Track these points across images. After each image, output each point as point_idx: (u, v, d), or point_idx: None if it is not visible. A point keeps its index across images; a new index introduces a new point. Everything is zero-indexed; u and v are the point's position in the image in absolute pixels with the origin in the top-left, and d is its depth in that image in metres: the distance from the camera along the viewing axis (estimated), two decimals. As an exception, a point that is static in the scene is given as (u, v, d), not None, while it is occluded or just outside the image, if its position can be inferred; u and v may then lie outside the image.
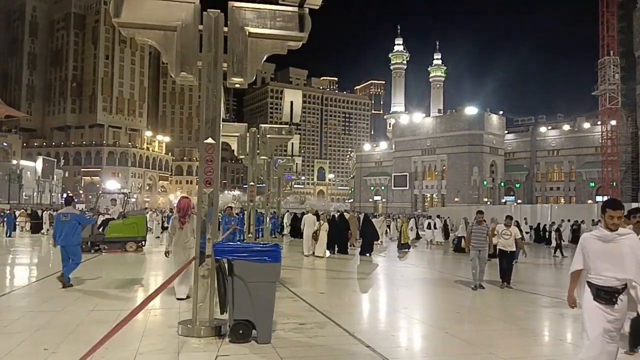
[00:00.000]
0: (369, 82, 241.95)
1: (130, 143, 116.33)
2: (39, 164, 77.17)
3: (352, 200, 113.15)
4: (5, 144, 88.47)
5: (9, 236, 26.32)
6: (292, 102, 13.05)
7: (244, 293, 5.59)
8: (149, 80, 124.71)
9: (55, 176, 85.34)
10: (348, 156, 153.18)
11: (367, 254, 17.79)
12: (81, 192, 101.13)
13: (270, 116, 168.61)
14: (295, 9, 5.77)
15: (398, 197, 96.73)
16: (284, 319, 6.91)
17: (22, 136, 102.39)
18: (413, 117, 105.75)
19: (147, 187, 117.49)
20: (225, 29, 5.76)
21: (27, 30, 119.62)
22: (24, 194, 66.54)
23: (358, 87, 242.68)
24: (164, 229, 27.04)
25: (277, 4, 5.81)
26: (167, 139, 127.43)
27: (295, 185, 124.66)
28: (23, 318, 6.84)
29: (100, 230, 17.01)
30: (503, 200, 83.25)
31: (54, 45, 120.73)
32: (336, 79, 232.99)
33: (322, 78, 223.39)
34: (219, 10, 5.77)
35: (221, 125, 5.96)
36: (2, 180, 66.02)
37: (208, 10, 5.74)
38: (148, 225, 26.84)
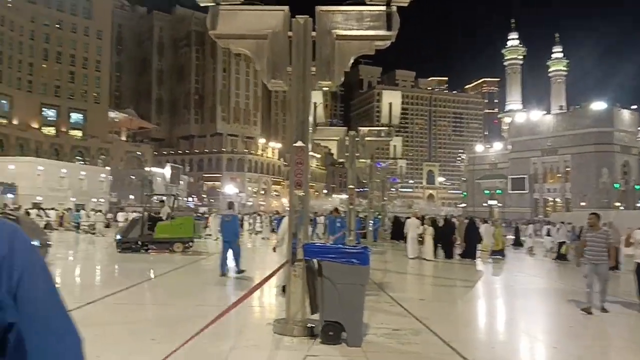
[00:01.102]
0: (481, 80, 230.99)
1: (246, 150, 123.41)
2: (167, 171, 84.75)
3: (464, 204, 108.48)
4: (139, 153, 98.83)
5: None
6: (390, 104, 12.90)
7: (333, 294, 5.60)
8: (262, 90, 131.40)
9: (181, 182, 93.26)
10: (459, 158, 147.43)
11: (471, 259, 16.98)
12: (204, 196, 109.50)
13: (377, 120, 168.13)
14: (383, 7, 5.68)
15: (515, 202, 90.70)
16: (378, 324, 6.79)
17: (153, 145, 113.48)
18: (531, 115, 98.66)
19: (262, 192, 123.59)
20: (314, 33, 5.84)
21: (154, 49, 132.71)
22: (155, 198, 73.67)
23: (469, 85, 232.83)
24: (272, 231, 28.25)
25: (364, 4, 5.76)
26: (278, 145, 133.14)
27: (402, 189, 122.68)
28: (139, 310, 7.53)
29: (148, 230, 17.06)
30: (638, 205, 74.19)
31: (178, 62, 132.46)
32: (446, 78, 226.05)
33: (430, 79, 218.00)
34: (307, 16, 5.87)
35: (316, 130, 6.06)
36: (136, 185, 73.61)
37: (297, 16, 5.86)
38: (257, 227, 27.84)
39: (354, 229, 15.20)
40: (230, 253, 11.53)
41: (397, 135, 18.57)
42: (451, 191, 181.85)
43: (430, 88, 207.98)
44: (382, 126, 13.14)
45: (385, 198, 30.64)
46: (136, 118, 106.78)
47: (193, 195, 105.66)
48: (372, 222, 21.13)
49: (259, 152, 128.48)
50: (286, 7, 5.74)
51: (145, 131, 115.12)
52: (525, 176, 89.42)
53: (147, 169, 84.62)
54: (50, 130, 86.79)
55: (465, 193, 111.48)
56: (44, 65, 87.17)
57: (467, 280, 13.13)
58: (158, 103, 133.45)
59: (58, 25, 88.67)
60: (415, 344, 6.01)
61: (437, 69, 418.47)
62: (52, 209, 35.79)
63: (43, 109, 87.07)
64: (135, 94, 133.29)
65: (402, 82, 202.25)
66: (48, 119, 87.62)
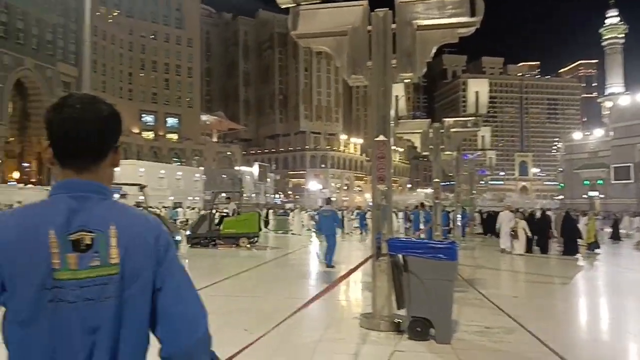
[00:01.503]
0: (577, 62, 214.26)
1: (328, 147, 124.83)
2: (255, 169, 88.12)
3: (561, 196, 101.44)
4: (229, 153, 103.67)
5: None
6: (477, 92, 12.38)
7: (420, 290, 5.52)
8: (343, 87, 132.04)
9: (268, 179, 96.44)
10: (555, 147, 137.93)
11: (574, 255, 15.83)
12: (289, 192, 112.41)
13: (463, 110, 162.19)
14: (466, -7, 5.48)
15: (619, 192, 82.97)
16: (468, 321, 6.59)
17: (242, 145, 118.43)
18: (636, 97, 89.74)
19: (345, 187, 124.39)
20: (394, 25, 5.78)
21: (240, 53, 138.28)
22: (244, 195, 76.97)
23: (564, 69, 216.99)
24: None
25: (446, -9, 5.59)
26: (360, 140, 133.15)
27: (492, 182, 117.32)
28: (231, 301, 7.92)
29: (216, 226, 17.77)
30: None
31: (263, 64, 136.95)
32: (537, 63, 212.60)
33: (520, 64, 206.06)
34: (387, 9, 5.82)
35: (399, 123, 6.00)
36: (227, 183, 77.34)
37: (376, 10, 5.83)
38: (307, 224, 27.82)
39: (441, 223, 14.81)
40: (324, 247, 12.15)
41: (485, 125, 17.79)
42: (547, 183, 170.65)
43: (520, 74, 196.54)
44: (469, 116, 12.64)
45: (473, 191, 29.52)
46: (225, 120, 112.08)
47: (280, 192, 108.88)
48: (459, 216, 20.49)
49: (341, 148, 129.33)
50: (365, 2, 5.74)
51: (234, 132, 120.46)
52: (630, 164, 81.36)
53: (236, 168, 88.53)
54: (149, 135, 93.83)
55: (562, 184, 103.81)
56: (142, 75, 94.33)
57: (565, 276, 12.28)
58: (245, 104, 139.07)
59: (153, 36, 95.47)
60: (508, 342, 5.76)
61: (528, 54, 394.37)
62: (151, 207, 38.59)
63: (142, 115, 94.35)
64: (224, 96, 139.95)
65: (490, 70, 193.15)
66: (147, 124, 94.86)
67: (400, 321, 6.01)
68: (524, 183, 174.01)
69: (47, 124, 1.18)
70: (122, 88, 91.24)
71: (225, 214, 18.60)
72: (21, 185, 49.51)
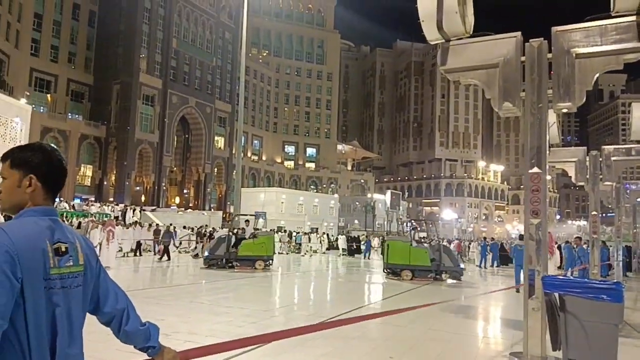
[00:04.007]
0: None
1: (465, 174, 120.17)
2: (387, 197, 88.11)
3: None
4: (362, 180, 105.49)
5: (367, 258, 31.18)
6: (643, 118, 11.18)
7: (579, 332, 5.15)
8: (482, 112, 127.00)
9: (400, 207, 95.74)
10: None
11: None
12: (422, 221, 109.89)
13: (623, 134, 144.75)
14: (632, 18, 5.17)
15: None
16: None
17: (374, 173, 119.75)
18: None
19: (484, 217, 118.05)
20: (549, 55, 5.64)
21: (377, 83, 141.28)
22: (376, 222, 77.31)
23: None
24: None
25: (609, 17, 5.33)
26: (500, 167, 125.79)
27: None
28: (379, 328, 8.09)
29: (233, 248, 17.79)
30: None
31: (398, 93, 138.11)
32: None
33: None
34: (542, 39, 5.71)
35: (549, 152, 5.76)
36: (360, 211, 78.52)
37: (530, 40, 5.75)
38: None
39: (599, 260, 13.38)
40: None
41: (652, 153, 15.81)
42: None
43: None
44: (633, 143, 11.44)
45: (637, 225, 26.16)
46: (360, 149, 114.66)
47: (412, 220, 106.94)
48: (620, 253, 18.25)
49: (479, 175, 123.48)
50: (518, 33, 5.70)
51: (368, 160, 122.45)
52: None
53: (369, 195, 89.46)
54: (290, 164, 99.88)
55: None
56: (286, 109, 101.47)
57: None
58: (379, 133, 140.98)
59: (297, 73, 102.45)
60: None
61: None
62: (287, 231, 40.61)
63: (285, 146, 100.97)
64: (359, 126, 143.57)
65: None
66: (289, 154, 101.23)
67: (556, 364, 5.65)
68: None
69: (43, 163, 1.68)
70: (268, 122, 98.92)
71: (242, 237, 18.55)
72: (182, 209, 55.99)
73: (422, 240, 18.80)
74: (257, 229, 21.33)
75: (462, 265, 17.39)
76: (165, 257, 20.97)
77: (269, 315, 9.16)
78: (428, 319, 8.93)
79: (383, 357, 6.19)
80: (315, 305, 11.47)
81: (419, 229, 21.61)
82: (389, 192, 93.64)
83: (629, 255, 23.70)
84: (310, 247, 34.99)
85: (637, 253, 24.66)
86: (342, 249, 33.74)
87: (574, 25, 5.48)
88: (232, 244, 18.05)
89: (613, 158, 11.49)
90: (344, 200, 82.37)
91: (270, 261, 18.48)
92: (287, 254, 31.06)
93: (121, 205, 39.89)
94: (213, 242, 18.96)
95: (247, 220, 20.06)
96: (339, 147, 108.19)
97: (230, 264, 17.75)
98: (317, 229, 49.97)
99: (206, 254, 18.27)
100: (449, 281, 16.65)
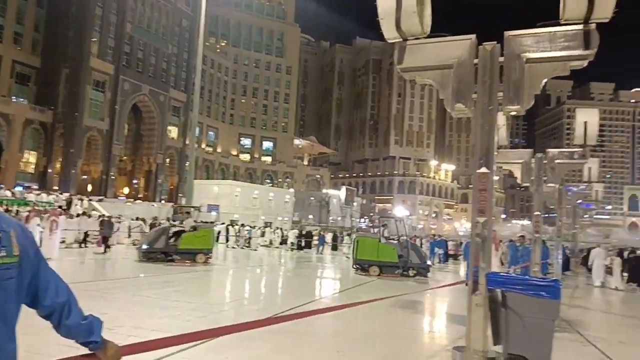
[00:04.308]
0: None
1: (418, 172, 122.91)
2: (342, 193, 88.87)
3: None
4: (318, 176, 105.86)
5: (320, 253, 31.33)
6: (585, 123, 11.72)
7: (519, 327, 5.35)
8: (436, 112, 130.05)
9: (355, 203, 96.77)
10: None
11: None
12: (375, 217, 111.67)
13: (567, 138, 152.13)
14: (580, 26, 5.37)
15: None
16: (570, 364, 6.23)
17: (330, 169, 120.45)
18: None
19: (434, 215, 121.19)
20: (501, 58, 5.78)
21: (335, 79, 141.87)
22: (330, 218, 77.91)
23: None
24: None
25: (558, 25, 5.52)
26: (452, 167, 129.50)
27: (597, 216, 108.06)
28: (327, 323, 8.11)
29: (173, 241, 17.24)
30: None
31: (356, 90, 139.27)
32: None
33: (633, 90, 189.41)
34: (494, 42, 5.84)
35: (498, 153, 5.93)
36: (315, 206, 78.87)
37: (484, 43, 5.87)
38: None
39: (540, 259, 14.00)
40: None
41: (592, 156, 16.67)
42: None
43: (633, 100, 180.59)
44: (575, 147, 11.97)
45: (576, 226, 27.55)
46: (317, 144, 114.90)
47: (366, 217, 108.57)
48: (560, 252, 19.23)
49: (431, 174, 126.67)
50: (473, 36, 5.81)
51: (324, 156, 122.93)
52: None
53: (324, 191, 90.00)
54: (245, 157, 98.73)
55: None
56: (243, 100, 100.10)
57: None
58: (336, 129, 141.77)
59: (255, 64, 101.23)
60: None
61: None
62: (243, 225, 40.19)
63: (241, 138, 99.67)
64: (317, 121, 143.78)
65: (599, 96, 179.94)
66: (245, 147, 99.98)
67: (495, 357, 5.84)
68: (633, 219, 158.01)
69: None
70: (225, 113, 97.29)
71: (182, 230, 17.84)
72: (130, 200, 54.28)
73: (391, 237, 19.02)
74: (205, 222, 20.73)
75: (428, 262, 17.74)
76: (109, 249, 20.10)
77: (218, 309, 9.02)
78: (377, 314, 9.05)
79: (331, 352, 6.21)
80: (266, 299, 11.40)
81: (388, 226, 21.83)
82: (343, 188, 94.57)
83: (566, 254, 25.05)
84: (265, 240, 34.78)
85: (574, 253, 25.97)
86: (291, 243, 33.69)
87: (526, 31, 5.64)
88: (170, 236, 17.34)
89: (557, 161, 11.97)
90: (299, 195, 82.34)
91: (210, 254, 18.05)
92: (243, 248, 30.70)
93: (66, 195, 38.15)
94: (152, 235, 17.95)
95: (187, 212, 19.25)
96: (296, 141, 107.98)
97: (170, 258, 17.00)
98: (271, 223, 49.76)
99: (144, 246, 17.14)
100: (401, 277, 16.96)
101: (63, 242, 20.87)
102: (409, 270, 16.91)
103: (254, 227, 35.18)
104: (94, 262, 17.25)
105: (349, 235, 34.91)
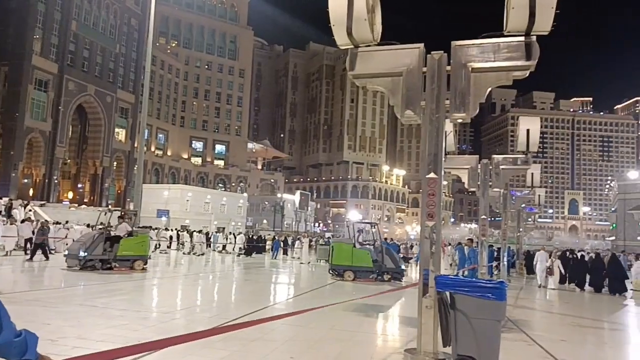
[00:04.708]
0: (634, 99, 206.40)
1: (370, 177, 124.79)
2: (297, 197, 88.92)
3: (613, 237, 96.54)
4: (272, 180, 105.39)
5: (274, 258, 31.14)
6: (528, 130, 12.32)
7: (467, 329, 5.51)
8: (388, 118, 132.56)
9: (309, 207, 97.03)
10: (607, 186, 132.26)
11: (617, 294, 17.05)
12: (329, 221, 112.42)
13: (511, 145, 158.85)
14: (521, 38, 5.64)
15: (679, 236, 78.39)
16: (515, 363, 6.48)
17: (284, 173, 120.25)
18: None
19: (386, 219, 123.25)
20: (448, 67, 5.98)
21: (289, 84, 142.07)
22: (285, 222, 77.63)
23: (619, 106, 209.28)
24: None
25: (502, 36, 5.77)
26: (402, 172, 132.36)
27: (540, 220, 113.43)
28: (280, 330, 8.07)
29: (109, 247, 16.27)
30: None
31: (310, 95, 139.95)
32: (590, 98, 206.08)
33: (572, 99, 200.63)
34: (442, 51, 6.03)
35: (446, 159, 6.12)
36: (269, 210, 78.42)
37: (432, 52, 6.06)
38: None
39: (486, 261, 14.53)
40: None
41: (535, 162, 17.54)
42: (598, 222, 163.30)
43: (572, 109, 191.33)
44: (518, 153, 12.54)
45: (520, 229, 28.76)
46: (271, 148, 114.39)
47: (320, 221, 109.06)
48: (505, 254, 20.05)
49: (383, 179, 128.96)
50: (421, 45, 5.98)
51: (278, 160, 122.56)
52: (692, 207, 77.00)
53: (279, 195, 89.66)
54: (197, 161, 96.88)
55: (614, 225, 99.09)
56: (194, 103, 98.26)
57: (616, 322, 11.77)
58: (290, 134, 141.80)
59: (207, 67, 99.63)
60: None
61: (580, 89, 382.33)
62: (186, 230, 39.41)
63: (192, 141, 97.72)
64: (270, 125, 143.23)
65: (541, 104, 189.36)
66: (196, 150, 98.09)
67: (445, 359, 5.99)
68: (573, 222, 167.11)
69: None
70: (175, 115, 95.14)
71: (117, 236, 16.90)
72: (75, 205, 52.03)
73: (366, 242, 19.08)
74: (143, 227, 19.82)
75: (402, 267, 17.92)
76: (46, 259, 18.83)
77: (169, 317, 8.77)
78: (329, 319, 9.08)
79: (284, 357, 6.18)
80: (219, 307, 11.20)
81: (363, 231, 21.87)
82: (298, 193, 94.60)
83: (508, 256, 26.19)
84: (218, 246, 34.23)
85: (519, 255, 27.03)
86: (240, 247, 33.21)
87: (471, 41, 5.87)
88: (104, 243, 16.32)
89: (502, 166, 12.51)
90: (253, 199, 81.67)
91: (146, 261, 17.45)
92: (194, 254, 30.01)
93: (5, 199, 36.08)
94: (87, 241, 16.30)
95: (120, 217, 18.17)
96: (250, 145, 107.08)
97: (108, 265, 16.10)
98: (223, 228, 49.04)
99: (82, 253, 15.70)
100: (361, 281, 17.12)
101: (2, 249, 19.63)
102: (384, 275, 17.06)
103: (206, 233, 34.56)
104: (35, 271, 16.38)
105: (299, 240, 34.83)
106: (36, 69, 54.16)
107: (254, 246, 33.96)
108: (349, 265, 17.02)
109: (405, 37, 6.84)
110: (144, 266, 16.99)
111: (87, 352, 2.20)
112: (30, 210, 34.18)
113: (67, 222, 28.30)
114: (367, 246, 18.07)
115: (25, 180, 54.95)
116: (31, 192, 53.77)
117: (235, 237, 34.61)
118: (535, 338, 8.39)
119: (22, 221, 23.47)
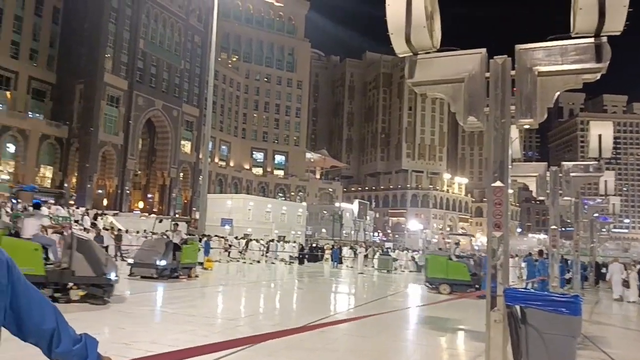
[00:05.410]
0: None
1: (431, 186, 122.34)
2: (355, 206, 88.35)
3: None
4: (330, 189, 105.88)
5: (335, 267, 31.18)
6: (600, 136, 11.62)
7: (539, 344, 5.25)
8: (448, 125, 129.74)
9: (367, 217, 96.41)
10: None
11: None
12: (389, 231, 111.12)
13: (581, 151, 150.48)
14: (591, 40, 5.36)
15: None
16: (592, 383, 6.08)
17: (342, 182, 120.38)
18: None
19: (448, 228, 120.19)
20: (513, 72, 5.78)
21: (346, 93, 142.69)
22: (344, 232, 77.61)
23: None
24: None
25: (569, 38, 5.51)
26: (465, 180, 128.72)
27: (615, 230, 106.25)
28: (342, 339, 8.05)
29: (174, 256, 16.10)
30: None
31: (367, 104, 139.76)
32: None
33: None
34: (505, 56, 5.84)
35: (512, 167, 5.89)
36: (328, 219, 78.72)
37: (495, 57, 5.88)
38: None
39: (558, 274, 13.77)
40: None
41: (608, 169, 16.50)
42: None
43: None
44: (590, 160, 11.85)
45: (594, 240, 27.09)
46: (329, 158, 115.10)
47: (379, 230, 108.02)
48: (579, 266, 18.97)
49: (444, 187, 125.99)
50: (483, 50, 5.82)
51: (337, 169, 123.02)
52: None
53: (337, 204, 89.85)
54: (258, 171, 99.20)
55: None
56: (255, 115, 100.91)
57: None
58: (348, 143, 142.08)
59: (266, 79, 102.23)
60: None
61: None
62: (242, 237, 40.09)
63: (253, 152, 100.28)
64: (328, 135, 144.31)
65: (612, 108, 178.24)
66: (257, 161, 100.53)
67: (516, 376, 5.73)
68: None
69: None
70: (237, 127, 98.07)
71: (175, 243, 16.74)
72: (145, 214, 54.70)
73: (463, 255, 18.58)
74: (191, 235, 20.14)
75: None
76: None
77: (234, 324, 9.00)
78: (393, 330, 8.95)
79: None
80: (282, 314, 11.35)
81: (460, 244, 21.33)
82: (356, 202, 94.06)
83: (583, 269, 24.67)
84: (277, 255, 34.75)
85: (590, 267, 25.48)
86: (289, 256, 33.16)
87: (537, 44, 5.64)
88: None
89: (572, 174, 11.86)
90: (312, 208, 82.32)
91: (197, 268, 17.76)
92: (259, 262, 30.57)
93: (82, 209, 38.59)
94: (161, 250, 16.04)
95: (176, 224, 18.26)
96: (308, 155, 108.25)
97: (176, 274, 16.16)
98: (284, 236, 49.72)
99: (160, 262, 15.63)
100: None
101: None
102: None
103: (272, 241, 35.10)
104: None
105: (351, 249, 34.62)
106: (108, 85, 57.82)
107: (310, 255, 34.13)
108: (444, 278, 16.50)
109: (464, 42, 6.68)
110: (197, 273, 17.33)
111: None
112: (108, 221, 36.27)
113: (144, 230, 29.69)
114: (464, 259, 17.45)
115: (100, 191, 58.55)
116: (105, 202, 57.18)
117: (285, 246, 34.46)
118: (615, 357, 7.85)
119: (89, 230, 24.94)
